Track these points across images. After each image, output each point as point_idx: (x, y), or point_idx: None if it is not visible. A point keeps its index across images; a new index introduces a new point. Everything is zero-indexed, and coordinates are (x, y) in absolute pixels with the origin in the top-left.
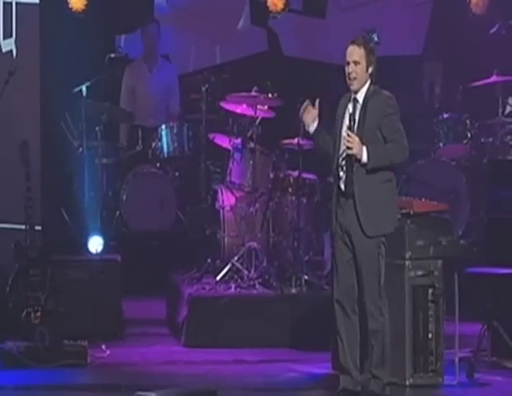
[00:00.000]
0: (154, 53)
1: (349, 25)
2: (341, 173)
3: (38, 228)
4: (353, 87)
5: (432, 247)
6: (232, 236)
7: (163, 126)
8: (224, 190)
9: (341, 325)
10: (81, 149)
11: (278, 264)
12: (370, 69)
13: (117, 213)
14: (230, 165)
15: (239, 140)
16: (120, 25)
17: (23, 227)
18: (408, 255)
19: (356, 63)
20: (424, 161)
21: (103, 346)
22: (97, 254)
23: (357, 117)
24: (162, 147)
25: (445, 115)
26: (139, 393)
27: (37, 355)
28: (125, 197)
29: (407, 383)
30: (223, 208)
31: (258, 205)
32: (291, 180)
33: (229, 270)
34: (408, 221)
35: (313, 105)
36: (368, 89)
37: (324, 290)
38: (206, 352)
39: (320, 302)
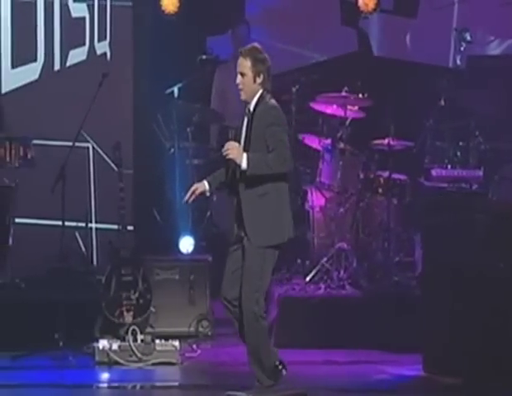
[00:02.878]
0: None
1: (441, 24)
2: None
3: (130, 228)
4: (242, 98)
5: None
6: (321, 237)
7: None
8: (313, 191)
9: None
10: (172, 150)
11: (368, 265)
12: (258, 79)
13: (208, 213)
14: (320, 166)
15: (329, 141)
16: (212, 26)
17: (116, 227)
18: (499, 259)
19: (242, 74)
20: None
21: (194, 346)
22: (187, 254)
23: (247, 126)
24: None
25: None
26: (229, 392)
27: (129, 354)
28: (215, 198)
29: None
30: (313, 208)
31: (347, 205)
32: (382, 180)
33: (319, 270)
34: (501, 223)
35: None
36: (259, 99)
37: (414, 291)
38: (295, 353)
39: (411, 303)
